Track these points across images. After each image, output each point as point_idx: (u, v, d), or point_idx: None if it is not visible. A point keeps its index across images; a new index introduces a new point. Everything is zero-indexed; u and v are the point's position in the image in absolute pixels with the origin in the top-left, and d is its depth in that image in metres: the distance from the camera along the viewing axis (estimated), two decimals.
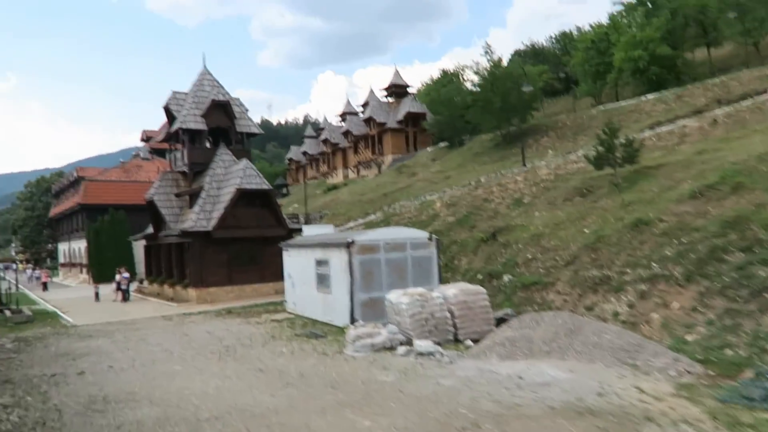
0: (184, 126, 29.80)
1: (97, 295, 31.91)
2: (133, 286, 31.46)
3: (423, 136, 66.88)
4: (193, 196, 29.31)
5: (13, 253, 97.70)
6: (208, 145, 31.42)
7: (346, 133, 74.25)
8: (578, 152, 26.55)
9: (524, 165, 28.18)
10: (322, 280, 17.58)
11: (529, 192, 23.44)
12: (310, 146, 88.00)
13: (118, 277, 31.27)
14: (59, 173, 75.62)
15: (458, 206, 26.01)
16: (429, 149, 48.68)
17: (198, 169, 30.69)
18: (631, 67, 37.21)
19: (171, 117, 31.87)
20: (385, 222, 29.45)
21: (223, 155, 30.54)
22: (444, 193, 30.53)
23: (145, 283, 35.65)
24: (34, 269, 57.30)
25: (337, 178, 76.41)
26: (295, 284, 20.13)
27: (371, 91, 75.26)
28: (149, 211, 31.58)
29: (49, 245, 74.49)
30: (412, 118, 65.79)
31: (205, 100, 31.43)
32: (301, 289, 19.42)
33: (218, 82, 32.52)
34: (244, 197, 27.71)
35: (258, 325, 18.92)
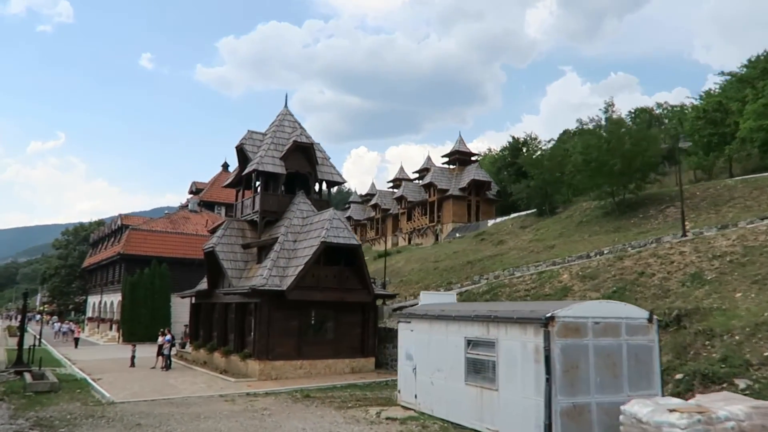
0: (260, 168, 25.59)
1: (133, 359, 26.78)
2: (173, 350, 26.40)
3: (486, 206, 62.40)
4: (264, 249, 24.62)
5: (37, 304, 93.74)
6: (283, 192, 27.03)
7: (400, 199, 70.21)
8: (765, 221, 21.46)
9: (684, 234, 22.94)
10: (480, 370, 12.24)
11: (708, 266, 18.12)
12: (355, 212, 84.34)
13: (160, 339, 26.23)
14: (99, 222, 72.54)
15: (598, 279, 20.71)
16: (511, 216, 43.79)
17: (270, 218, 26.20)
18: (762, 137, 32.43)
19: (243, 158, 27.81)
20: (492, 294, 24.14)
21: (301, 204, 26.08)
22: (567, 262, 25.38)
23: (188, 348, 30.43)
24: (60, 322, 52.72)
25: (385, 245, 71.63)
26: (419, 370, 14.75)
27: (428, 158, 71.66)
28: (207, 264, 26.91)
29: (78, 298, 70.26)
30: (476, 186, 61.64)
31: (284, 142, 27.42)
32: (434, 379, 14.02)
33: (299, 124, 28.64)
34: (326, 254, 22.88)
35: (372, 425, 13.48)
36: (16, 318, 76.93)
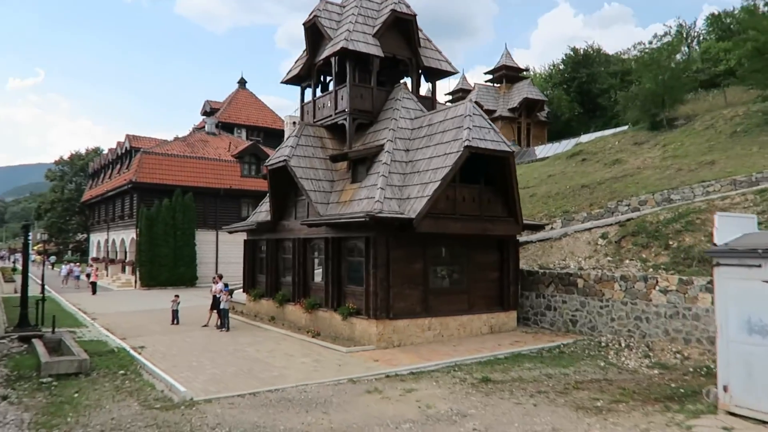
0: (350, 46, 17.91)
1: (176, 313, 19.99)
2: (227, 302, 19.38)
3: (537, 129, 54.92)
4: (362, 163, 17.33)
5: (30, 243, 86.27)
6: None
7: None
8: None
9: None
10: None
11: None
12: None
13: (215, 287, 19.35)
14: (96, 150, 64.20)
15: None
16: (609, 132, 36.29)
17: (363, 120, 18.81)
18: None
19: (316, 39, 20.03)
20: (686, 223, 17.16)
21: (405, 100, 18.62)
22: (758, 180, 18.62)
23: (240, 296, 23.65)
24: (64, 263, 45.84)
25: None
26: None
27: (463, 78, 63.34)
28: (272, 187, 19.66)
29: (78, 236, 63.04)
30: (528, 106, 53.82)
31: (374, 14, 19.62)
32: None
33: None
34: (463, 167, 15.65)
35: None
36: (10, 258, 69.77)
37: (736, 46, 25.82)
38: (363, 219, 14.49)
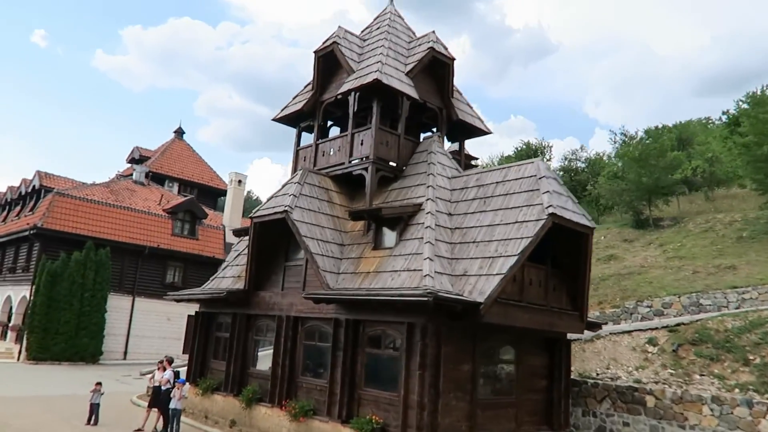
0: (385, 80, 14.42)
1: (95, 408, 14.22)
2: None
3: None
4: (391, 224, 13.36)
5: None
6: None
7: None
8: None
9: None
10: None
11: None
12: None
13: (158, 375, 13.98)
14: None
15: None
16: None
17: (386, 172, 15.03)
18: None
19: (327, 70, 16.40)
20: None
21: (439, 155, 15.16)
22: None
23: (184, 391, 17.88)
24: None
25: None
26: None
27: None
28: (255, 244, 15.01)
29: None
30: None
31: (404, 51, 16.46)
32: None
33: (413, 32, 17.79)
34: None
35: None
36: None
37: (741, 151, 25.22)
38: (421, 298, 10.35)
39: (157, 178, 40.51)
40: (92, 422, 14.12)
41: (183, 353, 33.73)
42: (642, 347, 16.21)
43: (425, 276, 11.35)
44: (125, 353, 31.62)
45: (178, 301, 18.56)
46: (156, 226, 33.75)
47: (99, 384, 14.54)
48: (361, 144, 15.11)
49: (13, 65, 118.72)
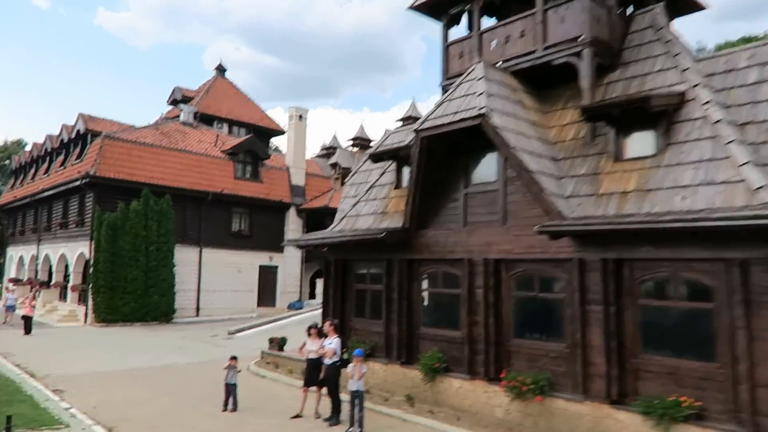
0: None
1: (231, 390, 10.95)
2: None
3: None
4: (636, 126, 9.39)
5: None
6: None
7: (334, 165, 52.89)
8: None
9: None
10: None
11: None
12: (342, 158, 67.25)
13: (311, 343, 10.56)
14: (18, 142, 51.42)
15: None
16: None
17: (602, 59, 10.93)
18: None
19: None
20: None
21: (667, 32, 11.00)
22: None
23: (365, 367, 14.57)
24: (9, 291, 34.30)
25: None
26: None
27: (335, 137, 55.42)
28: (421, 171, 11.23)
29: None
30: None
31: None
32: None
33: None
34: None
35: None
36: None
37: None
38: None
39: (204, 119, 36.58)
40: (231, 407, 10.87)
41: (258, 306, 30.89)
42: None
43: (757, 189, 7.50)
44: (197, 310, 28.74)
45: (302, 247, 15.15)
46: (217, 170, 30.22)
47: (234, 359, 11.20)
48: (561, 22, 10.97)
49: (17, 29, 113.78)
